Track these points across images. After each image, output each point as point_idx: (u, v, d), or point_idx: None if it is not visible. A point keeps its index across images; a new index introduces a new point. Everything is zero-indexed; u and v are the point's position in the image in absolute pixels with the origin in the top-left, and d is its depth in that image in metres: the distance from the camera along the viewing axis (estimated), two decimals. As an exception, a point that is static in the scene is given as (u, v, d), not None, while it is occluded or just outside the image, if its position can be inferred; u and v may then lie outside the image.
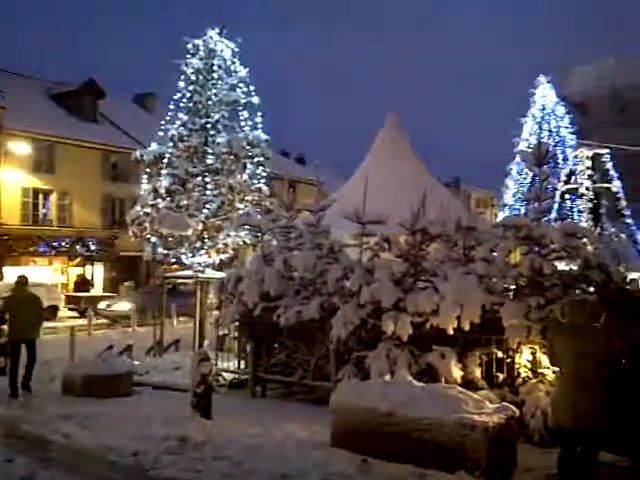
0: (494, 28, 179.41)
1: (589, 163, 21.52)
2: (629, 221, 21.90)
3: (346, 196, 10.71)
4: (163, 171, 15.16)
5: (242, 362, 9.68)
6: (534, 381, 6.73)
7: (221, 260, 14.44)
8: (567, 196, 23.40)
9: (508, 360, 7.14)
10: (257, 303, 8.94)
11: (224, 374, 9.81)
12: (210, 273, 12.74)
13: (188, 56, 15.58)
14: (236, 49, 15.86)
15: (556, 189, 22.53)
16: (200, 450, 6.26)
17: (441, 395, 5.80)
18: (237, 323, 9.58)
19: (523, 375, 6.95)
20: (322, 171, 40.34)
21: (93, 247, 30.98)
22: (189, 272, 13.46)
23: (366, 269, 8.22)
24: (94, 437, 6.78)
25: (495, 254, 7.68)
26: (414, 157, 13.25)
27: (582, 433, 4.83)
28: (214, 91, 15.36)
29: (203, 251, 14.36)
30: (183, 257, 14.65)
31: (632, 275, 16.99)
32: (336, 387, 6.94)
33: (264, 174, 15.26)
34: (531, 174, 22.22)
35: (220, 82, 15.54)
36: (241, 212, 14.50)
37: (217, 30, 15.78)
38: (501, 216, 20.78)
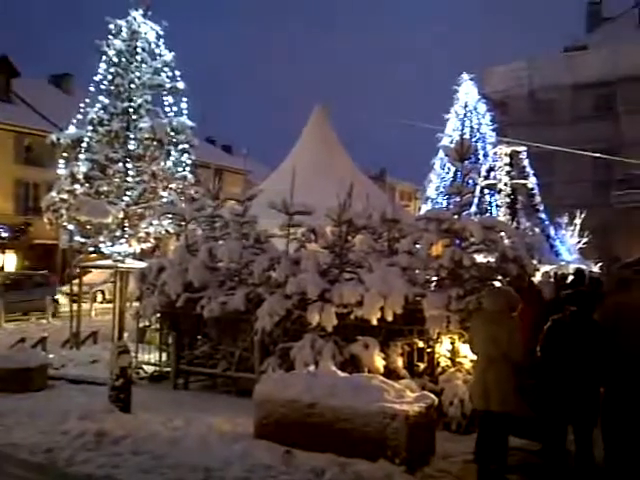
0: (427, 25, 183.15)
1: (507, 160, 22.43)
2: (542, 216, 22.98)
3: (273, 186, 10.65)
4: (81, 156, 14.49)
5: (164, 354, 9.46)
6: (453, 370, 6.95)
7: (142, 250, 14.01)
8: (487, 191, 24.27)
9: (429, 350, 7.34)
10: (180, 294, 8.75)
11: (145, 367, 9.56)
12: (131, 263, 12.34)
13: (110, 37, 14.95)
14: (161, 32, 15.37)
15: (477, 184, 23.33)
16: (119, 445, 6.05)
17: (364, 385, 5.88)
18: (159, 314, 9.34)
19: (443, 364, 7.17)
20: (250, 161, 40.01)
21: (4, 234, 29.37)
22: (108, 262, 12.99)
23: (292, 260, 8.22)
24: (4, 434, 6.43)
25: (418, 246, 7.87)
26: (341, 149, 13.35)
27: (492, 415, 5.06)
28: (137, 74, 14.81)
29: (123, 240, 13.87)
30: (102, 246, 14.09)
31: (544, 268, 17.86)
32: (260, 379, 6.91)
33: (189, 162, 14.89)
34: (453, 169, 22.96)
35: (144, 65, 15.01)
36: (164, 200, 14.12)
37: (141, 11, 15.21)
38: (424, 209, 21.33)
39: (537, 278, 13.73)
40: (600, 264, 21.82)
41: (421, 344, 7.36)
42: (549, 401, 5.02)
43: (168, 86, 15.17)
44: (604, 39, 35.87)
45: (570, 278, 14.23)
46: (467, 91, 26.18)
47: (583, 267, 17.87)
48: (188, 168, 14.83)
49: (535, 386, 5.14)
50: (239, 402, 7.60)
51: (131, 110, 14.77)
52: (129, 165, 14.37)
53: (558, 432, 5.04)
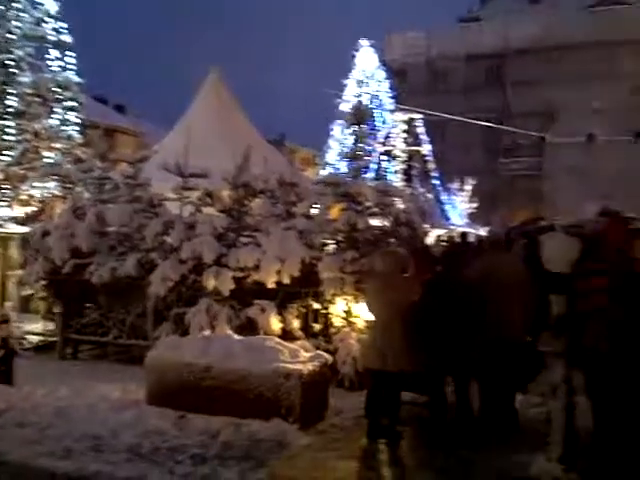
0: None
1: (404, 127, 22.97)
2: (436, 182, 23.83)
3: (168, 148, 10.29)
4: (-46, 111, 13.25)
5: (50, 324, 9.00)
6: (347, 330, 7.13)
7: (27, 214, 13.12)
8: (384, 157, 24.78)
9: (324, 311, 7.48)
10: (66, 260, 8.32)
11: (30, 337, 9.06)
12: (12, 228, 11.54)
13: (-17, -19, 13.61)
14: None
15: (375, 150, 23.78)
16: (1, 418, 5.74)
17: (259, 347, 5.91)
18: (44, 282, 8.84)
19: (337, 325, 7.33)
20: (145, 122, 38.32)
21: None
22: (-13, 226, 12.08)
23: (187, 224, 8.01)
24: None
25: (315, 210, 7.92)
26: (239, 111, 13.09)
27: (386, 374, 5.27)
28: (16, 24, 13.65)
29: (4, 203, 12.91)
30: (-21, 209, 13.06)
31: (436, 231, 18.62)
32: (154, 345, 6.76)
33: (76, 120, 14.01)
34: (352, 135, 23.19)
35: (24, 14, 13.84)
36: (49, 161, 13.24)
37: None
38: (324, 174, 21.49)
39: (430, 241, 14.34)
40: (488, 228, 23.01)
41: (317, 306, 7.48)
42: (429, 355, 5.27)
43: (53, 39, 14.10)
44: (497, 12, 37.31)
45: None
46: (366, 57, 26.34)
47: (470, 230, 18.82)
48: (74, 127, 13.95)
49: (419, 341, 5.36)
50: (131, 370, 7.39)
51: (11, 63, 13.61)
52: (9, 122, 13.30)
53: (439, 385, 5.32)
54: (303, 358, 5.84)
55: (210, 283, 7.39)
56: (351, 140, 25.48)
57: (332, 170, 25.99)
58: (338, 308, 7.35)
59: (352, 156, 7.95)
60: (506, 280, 5.63)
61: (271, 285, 7.29)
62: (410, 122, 23.26)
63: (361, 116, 7.54)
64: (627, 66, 34.24)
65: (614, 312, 3.69)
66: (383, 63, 30.18)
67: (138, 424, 5.57)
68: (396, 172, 23.37)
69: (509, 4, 38.36)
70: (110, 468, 4.73)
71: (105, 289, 8.28)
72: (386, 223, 7.91)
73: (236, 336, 6.40)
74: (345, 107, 25.08)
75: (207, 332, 6.79)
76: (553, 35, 33.99)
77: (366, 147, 22.25)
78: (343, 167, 23.93)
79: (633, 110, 33.56)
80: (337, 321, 7.35)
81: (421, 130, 23.48)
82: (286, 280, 7.25)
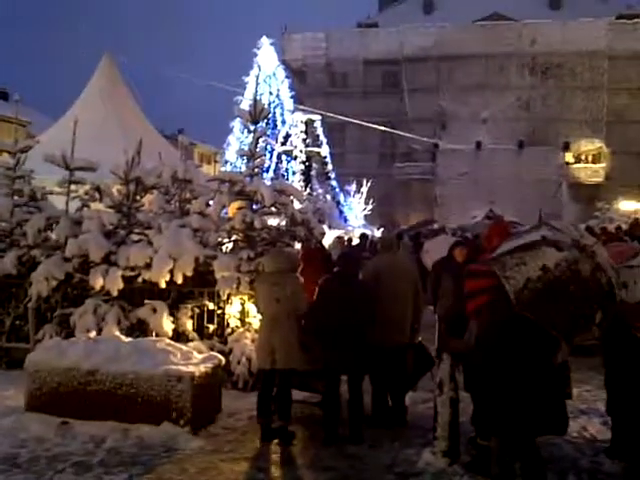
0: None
1: (303, 128, 23.12)
2: (334, 183, 24.20)
3: (54, 139, 9.71)
4: None
5: None
6: (242, 330, 7.05)
7: None
8: (284, 157, 24.83)
9: (219, 311, 7.35)
10: (-64, 256, 7.63)
11: None
12: None
13: None
14: None
15: (274, 149, 23.75)
16: None
17: (149, 349, 5.70)
18: None
19: (232, 325, 7.23)
20: (31, 111, 36.03)
21: None
22: None
23: (73, 220, 7.60)
24: None
25: (210, 208, 7.76)
26: (133, 103, 12.63)
27: (277, 372, 5.27)
28: None
29: None
30: None
31: (334, 232, 18.88)
32: (36, 348, 6.35)
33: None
34: (251, 132, 22.97)
35: None
36: None
37: None
38: (223, 171, 21.14)
39: (328, 241, 14.54)
40: (382, 229, 23.68)
41: (211, 306, 7.33)
42: (323, 354, 5.33)
43: None
44: (393, 19, 38.54)
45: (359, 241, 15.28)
46: (267, 56, 26.28)
47: (367, 232, 19.31)
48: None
49: (314, 340, 5.41)
50: (11, 375, 6.93)
51: None
52: None
53: (333, 383, 5.39)
54: (195, 360, 5.70)
55: (98, 282, 7.05)
56: (250, 139, 25.28)
57: (232, 168, 25.75)
58: (234, 308, 7.25)
59: (250, 155, 7.83)
60: (397, 281, 5.81)
61: (163, 285, 7.06)
62: (309, 123, 23.45)
63: (259, 115, 7.48)
64: (513, 78, 36.57)
65: (495, 311, 3.89)
66: (283, 62, 30.27)
67: (17, 432, 5.25)
68: (295, 172, 23.50)
69: (405, 13, 39.80)
70: (-20, 482, 4.40)
71: (-20, 288, 7.68)
72: (282, 222, 7.91)
73: (124, 338, 6.14)
74: (244, 105, 24.91)
75: (93, 334, 6.47)
76: (445, 46, 35.65)
77: (265, 146, 22.20)
78: (243, 165, 23.75)
79: (518, 120, 35.89)
80: (233, 321, 7.25)
81: (320, 132, 23.74)
82: (179, 279, 7.05)
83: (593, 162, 36.18)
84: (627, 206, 31.64)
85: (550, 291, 3.64)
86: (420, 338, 6.15)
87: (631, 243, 8.94)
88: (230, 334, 7.16)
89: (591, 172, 35.99)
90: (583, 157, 36.34)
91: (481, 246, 6.01)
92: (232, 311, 7.29)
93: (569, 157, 36.14)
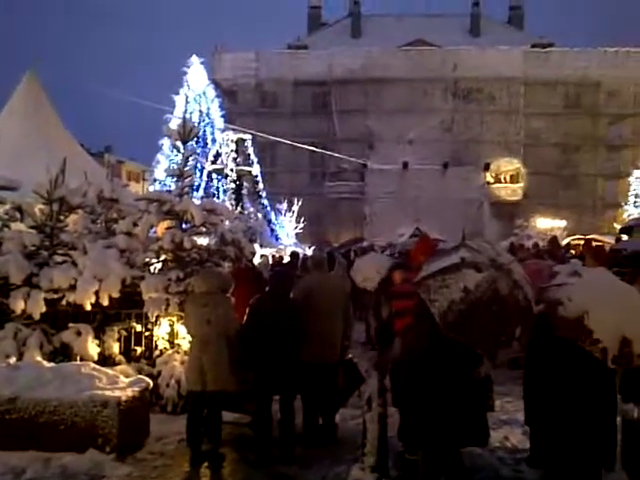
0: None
1: (234, 147, 23.11)
2: (265, 202, 24.23)
3: (-30, 156, 9.27)
4: None
5: None
6: (170, 352, 6.93)
7: None
8: (215, 176, 24.67)
9: (147, 333, 7.20)
10: None
11: None
12: None
13: None
14: None
15: (204, 168, 23.56)
16: None
17: (73, 374, 5.54)
18: None
19: (161, 347, 7.10)
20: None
21: None
22: None
23: (-8, 241, 7.27)
24: None
25: (138, 228, 7.63)
26: (57, 120, 12.23)
27: (207, 394, 5.23)
28: None
29: None
30: None
31: (266, 250, 18.85)
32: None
33: None
34: (180, 152, 22.68)
35: None
36: None
37: None
38: (152, 190, 20.74)
39: (257, 260, 14.52)
40: (313, 247, 23.87)
41: (139, 328, 7.18)
42: (255, 374, 5.33)
43: None
44: (322, 42, 39.29)
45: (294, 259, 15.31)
46: (197, 75, 26.14)
47: (298, 250, 19.42)
48: None
49: (244, 360, 5.40)
50: None
51: None
52: None
53: (264, 404, 5.39)
54: (122, 384, 5.57)
55: (18, 305, 6.76)
56: (179, 157, 24.95)
57: (161, 187, 25.31)
58: (162, 330, 7.13)
59: (179, 174, 7.78)
60: (328, 299, 5.91)
61: (89, 307, 6.86)
62: (239, 142, 23.47)
63: (188, 134, 7.47)
64: (437, 102, 37.95)
65: (421, 330, 4.05)
66: (213, 81, 30.19)
67: None
68: (226, 191, 23.38)
69: (333, 36, 40.66)
70: None
71: None
72: (212, 242, 7.87)
73: (47, 363, 5.93)
74: (174, 123, 24.62)
75: (13, 360, 6.20)
76: (372, 69, 36.67)
77: (195, 164, 22.02)
78: (172, 184, 23.37)
79: (442, 142, 37.21)
80: (161, 343, 7.12)
81: (250, 151, 23.79)
82: (105, 301, 6.88)
83: (511, 182, 37.91)
84: (543, 223, 33.52)
85: (472, 311, 3.82)
86: (350, 355, 6.25)
87: (547, 261, 9.44)
88: (159, 356, 7.03)
89: (510, 191, 37.69)
90: (502, 177, 38.03)
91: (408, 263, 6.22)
92: (161, 333, 7.17)
93: (489, 177, 37.73)
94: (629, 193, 30.41)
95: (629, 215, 28.71)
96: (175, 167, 8.33)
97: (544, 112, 37.41)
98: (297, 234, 25.85)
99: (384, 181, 36.72)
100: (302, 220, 26.22)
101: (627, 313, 4.11)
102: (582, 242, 20.94)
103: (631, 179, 30.45)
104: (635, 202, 29.62)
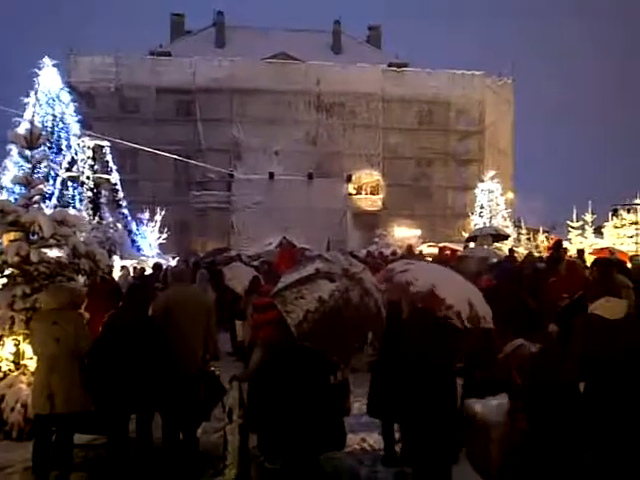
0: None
1: (90, 153, 21.99)
2: (125, 211, 23.25)
3: None
4: None
5: None
6: (16, 374, 6.44)
7: None
8: (70, 184, 23.29)
9: (-12, 355, 6.63)
10: None
11: None
12: None
13: None
14: None
15: (58, 175, 22.15)
16: None
17: None
18: None
19: (5, 369, 6.58)
20: None
21: None
22: None
23: None
24: None
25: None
26: None
27: (56, 416, 4.92)
28: None
29: None
30: None
31: (126, 262, 18.09)
32: None
33: None
34: (27, 158, 21.11)
35: None
36: None
37: None
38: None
39: (117, 273, 13.90)
40: (177, 258, 23.30)
41: (-21, 349, 6.59)
42: (109, 394, 5.09)
43: None
44: (185, 50, 38.60)
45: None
46: (49, 77, 24.52)
47: (162, 261, 18.87)
48: None
49: (97, 380, 5.15)
50: None
51: None
52: None
53: (120, 423, 5.17)
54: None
55: None
56: (27, 164, 23.21)
57: (9, 195, 23.40)
58: (6, 350, 6.60)
59: (26, 182, 7.23)
60: (188, 312, 5.77)
61: None
62: (97, 149, 22.40)
63: (37, 140, 6.97)
64: (301, 114, 38.72)
65: (276, 341, 4.13)
66: (68, 85, 28.54)
67: None
68: (82, 200, 22.14)
69: (196, 45, 40.14)
70: None
71: None
72: (63, 255, 7.42)
73: None
74: (22, 128, 22.91)
75: None
76: (237, 79, 36.67)
77: (48, 172, 20.68)
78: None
79: (307, 153, 38.03)
80: (5, 365, 6.58)
81: (109, 158, 22.78)
82: None
83: (372, 193, 39.57)
84: (401, 232, 35.57)
85: (327, 320, 3.96)
86: (212, 368, 6.17)
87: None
88: (2, 379, 6.50)
89: (370, 202, 39.32)
90: (363, 188, 39.59)
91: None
92: (4, 353, 6.64)
93: (351, 188, 39.14)
94: (475, 204, 32.94)
95: (475, 224, 31.11)
96: (21, 175, 7.76)
97: (401, 128, 39.53)
98: (161, 244, 25.08)
99: (251, 191, 36.76)
100: (166, 230, 25.50)
101: (462, 284, 4.87)
102: (437, 249, 22.42)
103: (476, 191, 33.02)
104: (480, 212, 32.13)
